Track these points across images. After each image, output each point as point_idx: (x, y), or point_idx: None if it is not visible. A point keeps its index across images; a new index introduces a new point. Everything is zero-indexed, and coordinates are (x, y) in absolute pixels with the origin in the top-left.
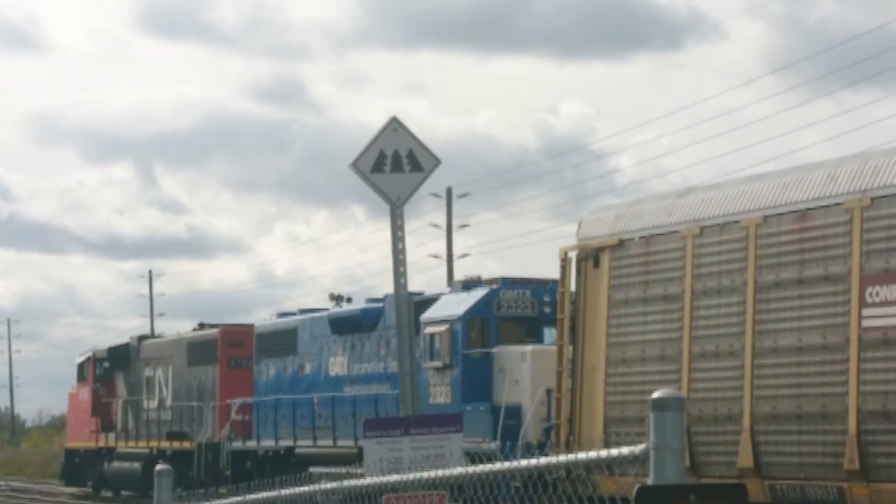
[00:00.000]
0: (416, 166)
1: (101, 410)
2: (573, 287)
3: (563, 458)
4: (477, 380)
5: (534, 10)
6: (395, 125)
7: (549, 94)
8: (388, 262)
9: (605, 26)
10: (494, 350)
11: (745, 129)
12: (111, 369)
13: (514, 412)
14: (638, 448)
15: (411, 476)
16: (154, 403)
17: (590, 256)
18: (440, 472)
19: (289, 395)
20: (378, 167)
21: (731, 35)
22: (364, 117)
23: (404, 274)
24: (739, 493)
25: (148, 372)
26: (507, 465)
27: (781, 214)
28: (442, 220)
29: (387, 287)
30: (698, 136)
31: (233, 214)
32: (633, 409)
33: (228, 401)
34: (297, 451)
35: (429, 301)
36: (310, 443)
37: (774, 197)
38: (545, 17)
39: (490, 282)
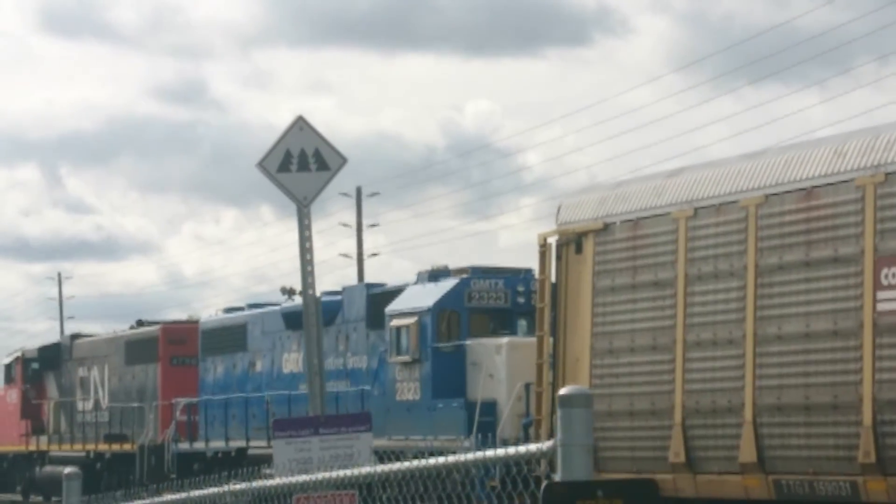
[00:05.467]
0: (322, 165)
1: (31, 413)
2: (553, 275)
3: (470, 456)
4: (449, 374)
5: (439, 7)
6: (301, 124)
7: (456, 91)
8: (299, 262)
9: (511, 22)
10: (467, 343)
11: (649, 127)
12: (41, 370)
13: (490, 408)
14: (545, 445)
15: (321, 475)
16: (89, 405)
17: (571, 242)
18: (350, 472)
19: (239, 393)
20: (284, 166)
21: (637, 31)
22: (270, 117)
23: (312, 273)
24: (648, 489)
25: (82, 372)
26: (414, 463)
27: (785, 193)
28: (351, 220)
29: (298, 286)
30: (604, 133)
31: (141, 215)
32: (621, 403)
33: (173, 400)
34: (250, 452)
35: (393, 292)
36: (263, 443)
37: (776, 175)
38: (450, 13)
39: (459, 272)
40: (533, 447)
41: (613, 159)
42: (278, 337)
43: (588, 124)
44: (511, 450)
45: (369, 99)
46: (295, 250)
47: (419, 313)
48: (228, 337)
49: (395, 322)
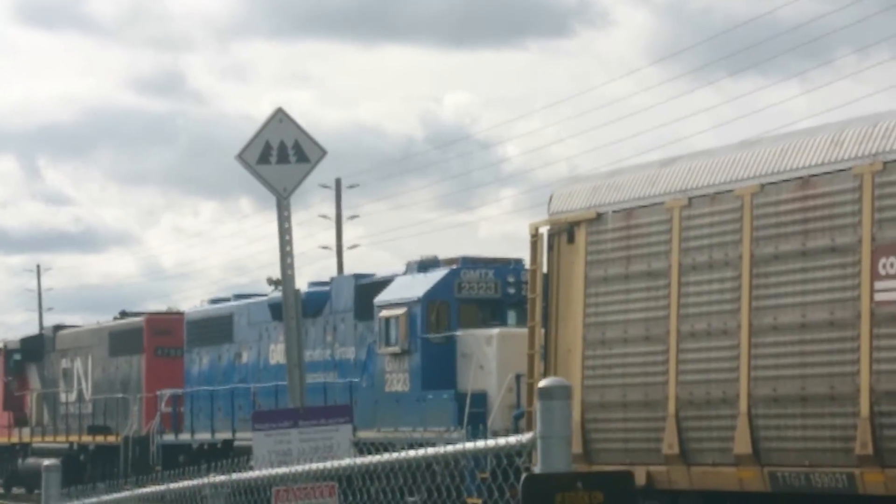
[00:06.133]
0: (302, 157)
1: (13, 404)
2: (545, 265)
3: (450, 448)
4: (438, 366)
5: None
6: (280, 116)
7: (436, 83)
8: (278, 254)
9: (491, 13)
10: (457, 334)
11: (630, 118)
12: (24, 361)
13: (480, 399)
14: (525, 437)
15: (301, 468)
16: (73, 396)
17: (563, 231)
18: (329, 464)
19: (224, 384)
20: (264, 158)
21: (618, 22)
22: (249, 108)
23: (291, 265)
24: (626, 481)
25: (65, 363)
26: (393, 456)
27: (781, 182)
28: (330, 211)
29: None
30: (584, 124)
31: (119, 207)
32: (614, 394)
33: (157, 392)
34: (236, 443)
35: (382, 283)
36: (250, 435)
37: (772, 164)
38: (430, 4)
39: (449, 262)
40: (513, 439)
41: (594, 151)
42: (265, 328)
43: (568, 116)
44: (490, 442)
45: (348, 90)
46: (274, 242)
47: (408, 304)
48: (214, 328)
49: (385, 313)
